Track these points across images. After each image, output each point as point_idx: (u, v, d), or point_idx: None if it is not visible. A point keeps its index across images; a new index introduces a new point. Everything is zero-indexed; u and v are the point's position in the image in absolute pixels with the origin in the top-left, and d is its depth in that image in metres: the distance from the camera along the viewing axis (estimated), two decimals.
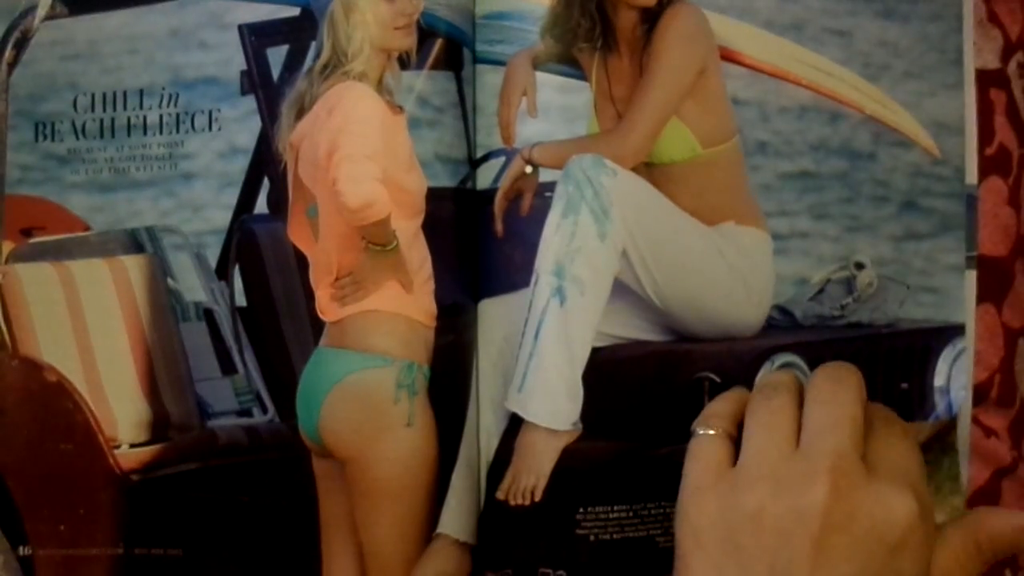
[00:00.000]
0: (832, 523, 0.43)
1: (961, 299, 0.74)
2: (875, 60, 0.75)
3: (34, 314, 0.78)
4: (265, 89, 0.78)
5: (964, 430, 0.74)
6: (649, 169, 0.75)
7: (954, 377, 0.74)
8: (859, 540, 0.43)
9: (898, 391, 0.74)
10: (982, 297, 0.75)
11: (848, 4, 0.75)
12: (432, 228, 0.74)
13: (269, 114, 0.77)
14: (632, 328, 0.75)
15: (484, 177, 0.76)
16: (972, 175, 0.76)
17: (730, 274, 0.75)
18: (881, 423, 0.50)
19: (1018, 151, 0.76)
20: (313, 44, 0.74)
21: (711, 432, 0.50)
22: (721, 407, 0.54)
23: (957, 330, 0.74)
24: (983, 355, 0.75)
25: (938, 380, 0.74)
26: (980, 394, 0.75)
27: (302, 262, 0.76)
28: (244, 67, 0.78)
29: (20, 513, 0.76)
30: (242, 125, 0.78)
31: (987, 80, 0.76)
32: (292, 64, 0.78)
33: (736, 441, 0.50)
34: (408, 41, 0.73)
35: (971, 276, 0.75)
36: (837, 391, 0.49)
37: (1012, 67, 0.77)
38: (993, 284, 0.76)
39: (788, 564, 0.43)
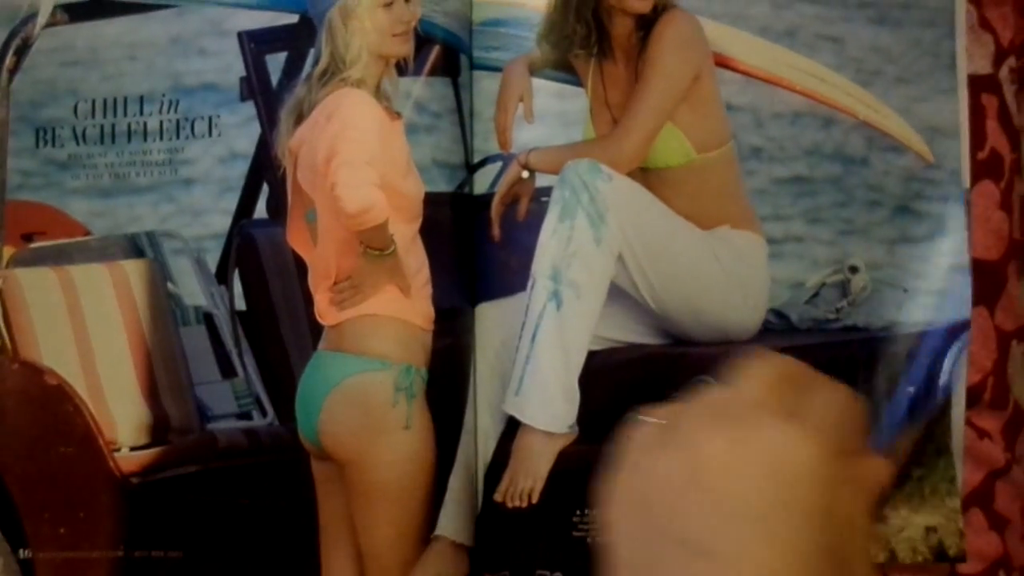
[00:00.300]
0: (726, 469, 0.43)
1: (962, 298, 0.74)
2: (868, 66, 0.76)
3: (35, 318, 0.79)
4: (264, 95, 0.78)
5: (958, 432, 0.75)
6: (644, 174, 0.75)
7: (955, 374, 0.74)
8: (748, 481, 0.43)
9: (896, 392, 0.74)
10: (975, 300, 0.76)
11: (841, 11, 0.76)
12: (429, 232, 0.74)
13: (268, 120, 0.77)
14: (628, 332, 0.76)
15: (481, 182, 0.76)
16: (964, 179, 0.76)
17: (725, 278, 0.76)
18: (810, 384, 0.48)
19: (1010, 155, 0.77)
20: (312, 51, 0.75)
21: (652, 419, 0.50)
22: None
23: (961, 327, 0.74)
24: (976, 358, 0.76)
25: (942, 379, 0.74)
26: (974, 396, 0.75)
27: (301, 267, 0.76)
28: (243, 73, 0.78)
29: (20, 516, 0.76)
30: (242, 131, 0.79)
31: (979, 85, 0.77)
32: (291, 71, 0.78)
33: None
34: (405, 48, 0.74)
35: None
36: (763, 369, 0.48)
37: (1004, 72, 0.77)
38: (986, 287, 0.76)
39: (690, 515, 0.42)
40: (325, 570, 0.75)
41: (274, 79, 0.79)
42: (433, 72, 0.75)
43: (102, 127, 0.79)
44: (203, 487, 0.77)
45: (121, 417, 0.78)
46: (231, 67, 0.78)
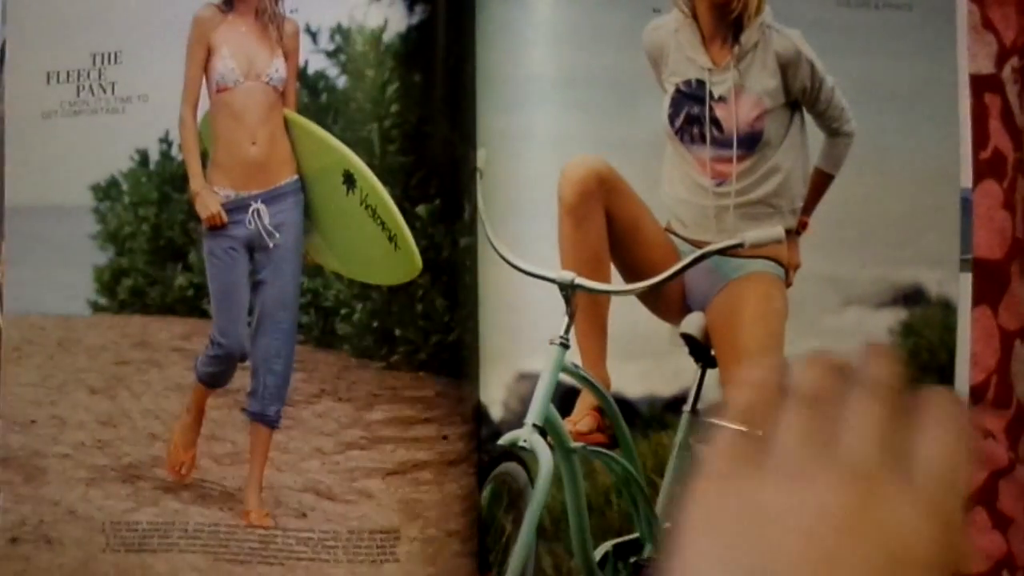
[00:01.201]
0: (842, 526, 0.42)
1: None
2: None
3: None
4: None
5: None
6: None
7: None
8: (866, 549, 0.42)
9: None
10: (978, 300, 0.76)
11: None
12: None
13: None
14: None
15: None
16: (967, 179, 0.77)
17: None
18: (935, 410, 0.47)
19: (1013, 155, 0.77)
20: None
21: (735, 426, 0.48)
22: (751, 401, 0.50)
23: None
24: (980, 357, 0.76)
25: None
26: (977, 396, 0.76)
27: None
28: None
29: None
30: None
31: (981, 85, 0.77)
32: None
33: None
34: None
35: (967, 279, 0.76)
36: (875, 402, 0.47)
37: (1006, 72, 0.78)
38: (989, 287, 0.76)
39: (788, 559, 0.42)
40: None
41: None
42: None
43: None
44: None
45: None
46: None
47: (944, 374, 0.75)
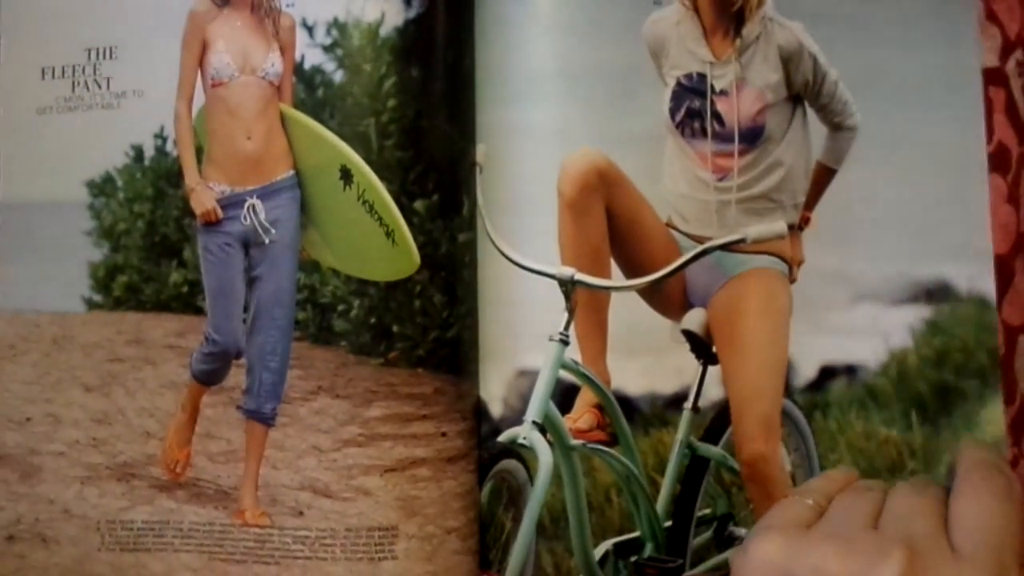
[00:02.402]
0: None
1: None
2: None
3: None
4: None
5: None
6: None
7: None
8: None
9: None
10: None
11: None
12: None
13: None
14: None
15: None
16: None
17: None
18: (975, 478, 0.49)
19: (1017, 149, 0.76)
20: None
21: (798, 497, 0.51)
22: (821, 484, 0.55)
23: None
24: None
25: None
26: None
27: None
28: None
29: None
30: None
31: (986, 78, 0.76)
32: None
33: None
34: None
35: None
36: (917, 490, 0.50)
37: (1011, 65, 0.77)
38: (994, 281, 0.75)
39: None
40: None
41: None
42: None
43: None
44: None
45: None
46: None
47: (984, 377, 0.74)
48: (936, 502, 0.48)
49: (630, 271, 0.75)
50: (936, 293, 0.74)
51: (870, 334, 0.74)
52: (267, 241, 0.75)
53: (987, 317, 0.74)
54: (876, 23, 0.75)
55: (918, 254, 0.75)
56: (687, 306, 0.76)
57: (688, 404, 0.75)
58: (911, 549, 0.44)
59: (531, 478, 0.69)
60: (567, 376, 0.71)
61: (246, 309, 0.76)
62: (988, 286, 0.74)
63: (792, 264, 0.75)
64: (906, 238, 0.75)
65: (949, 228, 0.74)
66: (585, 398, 0.74)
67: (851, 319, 0.74)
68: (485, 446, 0.72)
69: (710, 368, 0.75)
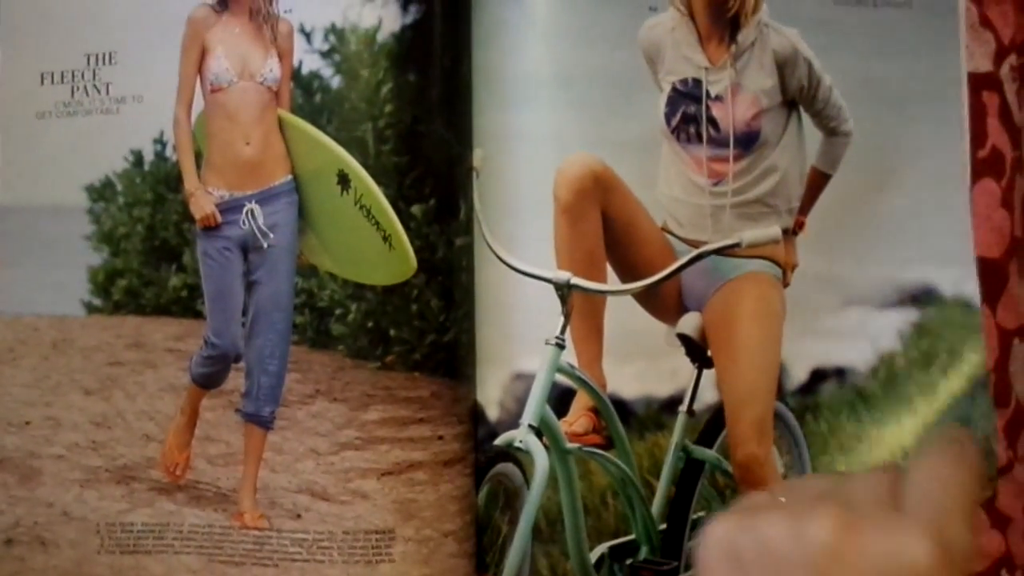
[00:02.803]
0: (838, 554, 0.44)
1: None
2: None
3: None
4: None
5: None
6: None
7: None
8: (863, 573, 0.43)
9: None
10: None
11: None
12: None
13: None
14: None
15: None
16: (965, 177, 0.76)
17: None
18: (929, 450, 0.48)
19: (1011, 153, 0.77)
20: None
21: (767, 493, 0.52)
22: (794, 483, 0.56)
23: None
24: None
25: None
26: None
27: None
28: None
29: None
30: None
31: (979, 83, 0.77)
32: None
33: None
34: None
35: None
36: (878, 471, 0.49)
37: (1004, 70, 0.77)
38: (988, 286, 0.76)
39: None
40: None
41: None
42: None
43: None
44: None
45: None
46: None
47: (970, 378, 0.75)
48: (888, 478, 0.49)
49: (626, 275, 0.75)
50: (922, 297, 0.75)
51: (859, 337, 0.75)
52: (265, 245, 0.75)
53: (972, 319, 0.75)
54: (861, 31, 0.76)
55: (904, 259, 0.75)
56: (682, 310, 0.77)
57: (683, 407, 0.75)
58: (846, 507, 0.45)
59: (527, 481, 0.69)
60: (563, 380, 0.72)
61: (245, 313, 0.76)
62: (972, 289, 0.75)
63: (786, 268, 0.76)
64: (892, 243, 0.76)
65: (933, 234, 0.75)
66: (581, 402, 0.74)
67: (840, 323, 0.75)
68: (482, 449, 0.72)
69: (705, 371, 0.75)
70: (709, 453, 0.75)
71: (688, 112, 0.75)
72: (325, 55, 0.73)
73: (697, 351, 0.75)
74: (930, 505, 0.46)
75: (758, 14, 0.74)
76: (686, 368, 0.75)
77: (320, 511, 0.71)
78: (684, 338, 0.75)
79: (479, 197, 0.73)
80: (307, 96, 0.75)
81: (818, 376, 0.75)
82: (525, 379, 0.71)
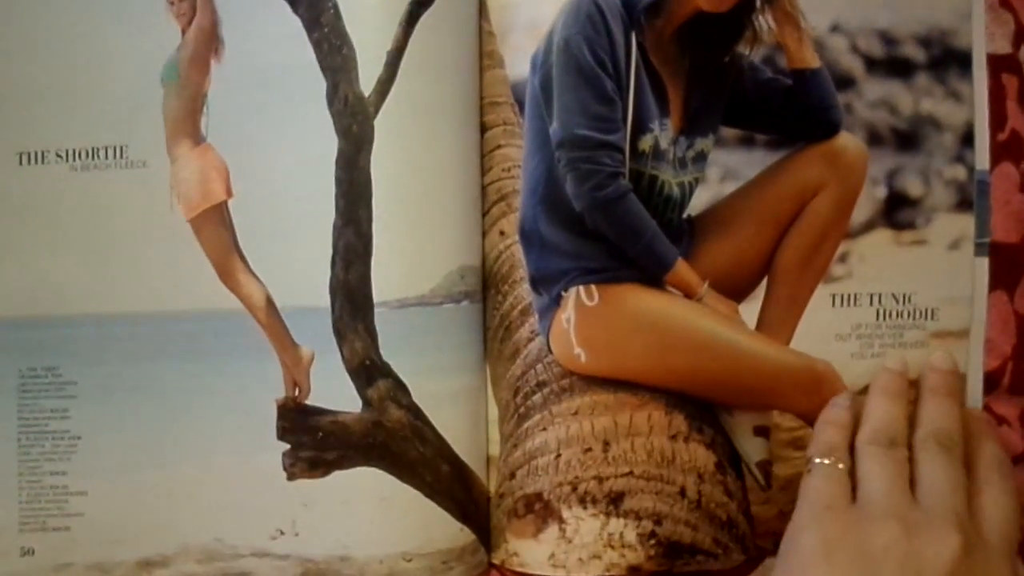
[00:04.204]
0: (956, 573, 0.48)
1: None
2: None
3: None
4: None
5: None
6: None
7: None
8: None
9: None
10: (994, 284, 0.75)
11: None
12: None
13: None
14: None
15: None
16: (984, 161, 0.75)
17: None
18: (995, 477, 0.54)
19: None
20: None
21: (828, 462, 0.54)
22: (835, 438, 0.58)
23: None
24: (995, 343, 0.75)
25: None
26: (992, 382, 0.74)
27: None
28: None
29: None
30: None
31: (999, 65, 0.76)
32: None
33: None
34: None
35: (983, 263, 0.75)
36: (949, 457, 0.54)
37: (1023, 52, 0.76)
38: (1005, 271, 0.75)
39: None
40: None
41: None
42: None
43: None
44: None
45: None
46: None
47: None
48: (962, 474, 0.51)
49: None
50: None
51: None
52: None
53: None
54: None
55: None
56: None
57: None
58: (963, 534, 0.48)
59: None
60: None
61: None
62: None
63: None
64: None
65: None
66: None
67: None
68: None
69: None
70: None
71: None
72: None
73: None
74: (1008, 544, 0.52)
75: None
76: None
77: None
78: None
79: None
80: None
81: None
82: None
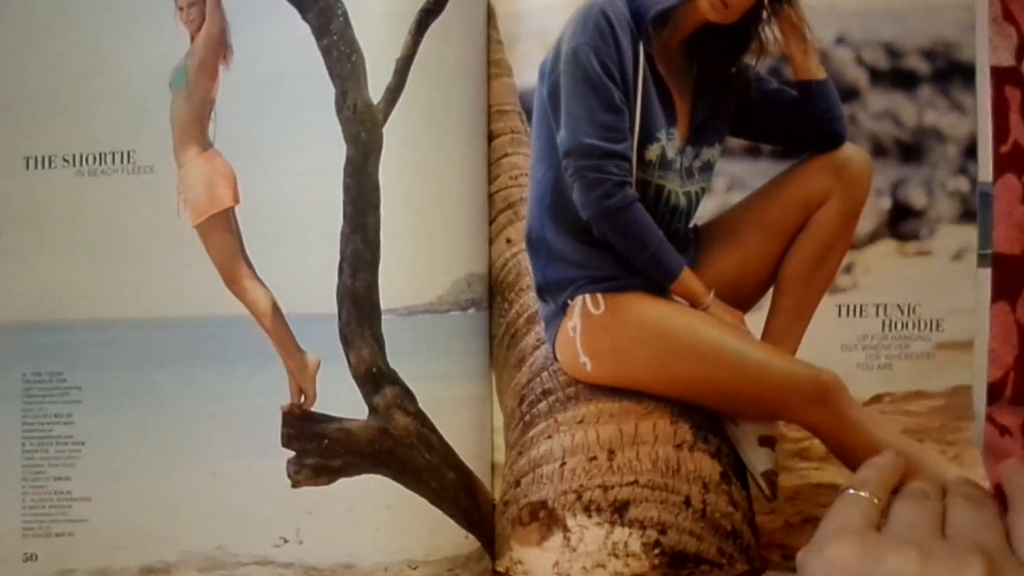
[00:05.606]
0: None
1: None
2: None
3: None
4: None
5: (979, 429, 0.74)
6: None
7: None
8: None
9: None
10: (997, 295, 0.75)
11: None
12: None
13: None
14: None
15: None
16: (987, 173, 0.76)
17: None
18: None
19: None
20: None
21: (862, 494, 0.53)
22: (876, 475, 0.58)
23: None
24: (997, 354, 0.75)
25: None
26: (994, 393, 0.75)
27: None
28: None
29: None
30: None
31: (1002, 77, 0.76)
32: None
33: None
34: None
35: (985, 274, 0.75)
36: (979, 504, 0.53)
37: None
38: (1008, 282, 0.75)
39: None
40: None
41: None
42: None
43: None
44: None
45: None
46: None
47: None
48: (996, 516, 0.50)
49: None
50: None
51: None
52: None
53: None
54: None
55: None
56: None
57: None
58: (989, 559, 0.46)
59: None
60: None
61: None
62: None
63: None
64: None
65: None
66: None
67: None
68: None
69: None
70: None
71: None
72: None
73: None
74: None
75: None
76: None
77: None
78: None
79: None
80: None
81: None
82: None
